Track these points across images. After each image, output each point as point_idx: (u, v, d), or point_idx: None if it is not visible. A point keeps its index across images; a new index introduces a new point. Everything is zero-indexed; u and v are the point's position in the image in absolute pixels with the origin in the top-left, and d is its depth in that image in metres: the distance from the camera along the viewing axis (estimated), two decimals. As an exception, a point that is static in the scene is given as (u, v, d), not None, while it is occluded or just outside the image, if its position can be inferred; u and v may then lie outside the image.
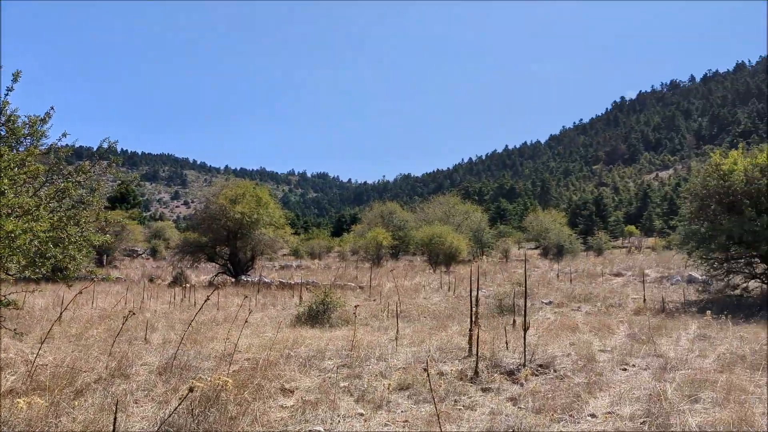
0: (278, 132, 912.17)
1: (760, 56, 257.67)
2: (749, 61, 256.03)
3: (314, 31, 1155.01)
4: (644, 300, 16.47)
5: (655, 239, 63.77)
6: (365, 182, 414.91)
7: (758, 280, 17.34)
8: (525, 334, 8.55)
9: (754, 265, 17.38)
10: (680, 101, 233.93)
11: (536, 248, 52.55)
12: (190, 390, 4.15)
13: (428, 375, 6.70)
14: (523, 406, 6.54)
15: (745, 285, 17.71)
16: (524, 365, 8.18)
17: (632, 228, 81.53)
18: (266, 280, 24.85)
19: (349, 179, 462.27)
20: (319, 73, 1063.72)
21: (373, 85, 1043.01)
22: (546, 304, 17.32)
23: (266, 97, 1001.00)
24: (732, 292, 17.48)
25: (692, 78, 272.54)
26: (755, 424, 5.67)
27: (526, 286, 9.64)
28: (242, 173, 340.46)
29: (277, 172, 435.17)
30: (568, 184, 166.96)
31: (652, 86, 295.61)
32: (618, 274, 26.39)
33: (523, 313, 14.46)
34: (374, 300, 18.50)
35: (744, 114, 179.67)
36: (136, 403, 6.52)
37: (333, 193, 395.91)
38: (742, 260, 17.42)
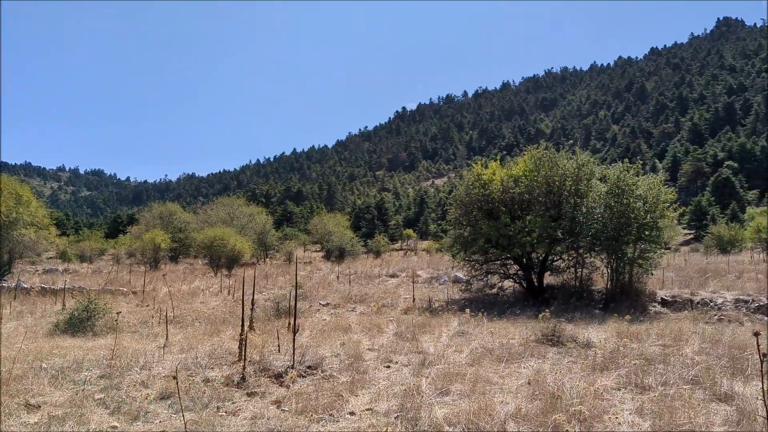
0: (47, 125, 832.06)
1: (522, 77, 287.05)
2: (513, 81, 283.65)
3: (85, 24, 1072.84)
4: (413, 300, 17.46)
5: (429, 242, 67.92)
6: (145, 181, 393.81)
7: (512, 280, 19.20)
8: (294, 337, 8.65)
9: (509, 267, 19.22)
10: (455, 114, 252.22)
11: (321, 250, 53.52)
12: None
13: (177, 383, 6.50)
14: (286, 409, 6.60)
15: (500, 284, 19.51)
16: (293, 367, 8.25)
17: (410, 231, 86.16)
18: (25, 286, 22.52)
19: (128, 178, 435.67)
20: (96, 66, 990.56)
21: (157, 81, 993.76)
22: (324, 305, 17.67)
23: (30, 87, 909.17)
24: (490, 291, 19.16)
25: (465, 93, 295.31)
26: (494, 412, 6.24)
27: (296, 289, 9.76)
28: (3, 167, 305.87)
29: (45, 168, 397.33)
30: (353, 188, 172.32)
31: (431, 99, 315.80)
32: (393, 275, 27.69)
33: (298, 315, 14.64)
34: (147, 306, 17.59)
35: (508, 129, 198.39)
36: None
37: (109, 192, 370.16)
38: (499, 262, 19.18)
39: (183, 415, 6.08)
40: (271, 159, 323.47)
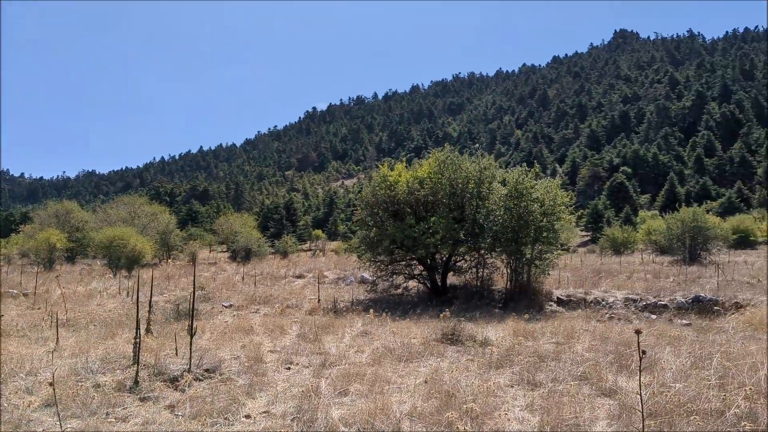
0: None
1: (431, 81, 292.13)
2: (422, 84, 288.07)
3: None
4: (319, 301, 17.42)
5: (338, 243, 67.93)
6: (41, 178, 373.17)
7: (416, 280, 19.50)
8: (192, 339, 8.44)
9: (413, 267, 19.52)
10: (365, 116, 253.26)
11: (227, 251, 52.48)
12: None
13: (54, 389, 6.23)
14: (180, 413, 6.44)
15: (405, 284, 19.78)
16: (189, 371, 8.06)
17: (319, 232, 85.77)
18: None
19: (22, 174, 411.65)
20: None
21: (55, 72, 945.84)
22: (227, 307, 17.34)
23: None
24: (395, 291, 19.39)
25: (375, 95, 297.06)
26: (390, 411, 6.32)
27: (195, 289, 9.53)
28: None
29: None
30: (262, 188, 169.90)
31: (341, 100, 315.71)
32: (300, 276, 27.53)
33: (199, 317, 14.32)
34: (38, 308, 16.71)
35: (417, 131, 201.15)
36: None
37: (1, 188, 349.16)
38: (404, 262, 19.44)
39: (60, 424, 5.82)
40: (177, 157, 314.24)
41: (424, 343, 10.47)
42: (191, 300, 14.27)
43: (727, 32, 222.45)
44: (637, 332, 4.63)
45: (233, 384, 7.70)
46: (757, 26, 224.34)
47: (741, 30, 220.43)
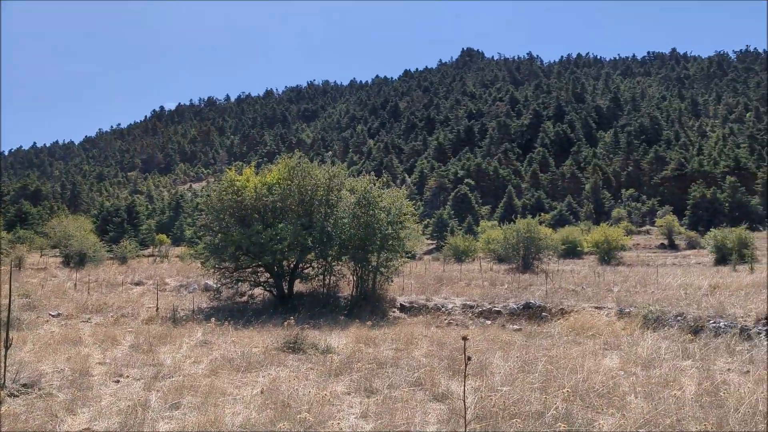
0: None
1: (286, 86, 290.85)
2: (277, 89, 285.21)
3: None
4: (157, 309, 16.64)
5: (184, 248, 65.53)
6: None
7: (262, 288, 19.19)
8: (6, 352, 7.73)
9: (259, 274, 19.20)
10: (216, 118, 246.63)
11: (59, 256, 48.87)
12: None
13: None
14: (-13, 435, 5.87)
15: (251, 292, 19.39)
16: (3, 386, 7.38)
17: (163, 237, 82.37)
18: None
19: None
20: None
21: None
22: (54, 316, 16.10)
23: None
24: (240, 299, 18.97)
25: (228, 98, 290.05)
26: (223, 424, 6.13)
27: (11, 295, 8.75)
28: None
29: None
30: (102, 189, 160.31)
31: (191, 100, 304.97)
32: (139, 283, 26.18)
33: (21, 326, 13.18)
34: None
35: (270, 136, 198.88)
36: None
37: None
38: (250, 269, 19.06)
39: None
40: (6, 153, 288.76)
41: (265, 352, 10.31)
42: (25, 308, 13.14)
43: (561, 57, 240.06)
44: (464, 339, 4.82)
45: (53, 399, 7.14)
46: (588, 52, 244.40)
47: (574, 56, 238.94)
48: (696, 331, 13.24)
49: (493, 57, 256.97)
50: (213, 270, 19.04)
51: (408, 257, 24.00)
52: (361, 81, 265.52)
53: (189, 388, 7.57)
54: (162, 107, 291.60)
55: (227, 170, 19.80)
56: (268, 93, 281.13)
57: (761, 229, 66.64)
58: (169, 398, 7.15)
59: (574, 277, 26.93)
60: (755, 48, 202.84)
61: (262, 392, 7.39)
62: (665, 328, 13.50)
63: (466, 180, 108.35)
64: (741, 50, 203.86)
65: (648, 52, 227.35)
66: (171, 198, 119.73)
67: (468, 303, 17.64)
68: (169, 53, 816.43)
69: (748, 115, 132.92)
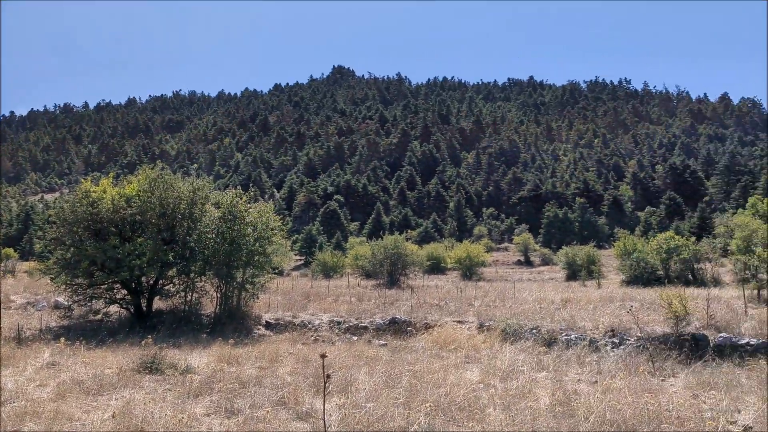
0: None
1: (150, 95, 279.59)
2: (140, 98, 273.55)
3: None
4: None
5: (33, 263, 61.01)
6: None
7: (119, 305, 18.22)
8: None
9: (116, 291, 18.22)
10: (73, 125, 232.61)
11: None
12: None
13: None
14: None
15: (106, 310, 18.35)
16: None
17: (10, 251, 76.23)
18: None
19: None
20: None
21: None
22: None
23: None
24: (94, 317, 17.90)
25: (86, 104, 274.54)
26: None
27: None
28: None
29: None
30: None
31: (45, 106, 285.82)
32: (-21, 302, 24.05)
33: None
34: None
35: (132, 146, 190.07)
36: None
37: None
38: (105, 285, 18.03)
39: None
40: None
41: (119, 373, 9.77)
42: None
43: (428, 79, 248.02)
44: (322, 356, 4.81)
45: None
46: (453, 76, 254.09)
47: (440, 78, 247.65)
48: (550, 343, 14.03)
49: (363, 75, 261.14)
50: (64, 286, 17.84)
51: (275, 273, 23.70)
52: (229, 93, 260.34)
53: (32, 414, 7.03)
54: (12, 112, 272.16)
55: (83, 181, 18.70)
56: (131, 101, 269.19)
57: (607, 247, 71.84)
58: (9, 426, 6.60)
59: (438, 292, 27.71)
60: (603, 79, 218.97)
61: (113, 416, 6.98)
62: (522, 341, 14.19)
63: (335, 196, 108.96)
64: (591, 80, 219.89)
65: (508, 78, 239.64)
66: (20, 209, 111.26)
67: (335, 319, 17.66)
68: (20, 55, 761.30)
69: (596, 141, 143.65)
